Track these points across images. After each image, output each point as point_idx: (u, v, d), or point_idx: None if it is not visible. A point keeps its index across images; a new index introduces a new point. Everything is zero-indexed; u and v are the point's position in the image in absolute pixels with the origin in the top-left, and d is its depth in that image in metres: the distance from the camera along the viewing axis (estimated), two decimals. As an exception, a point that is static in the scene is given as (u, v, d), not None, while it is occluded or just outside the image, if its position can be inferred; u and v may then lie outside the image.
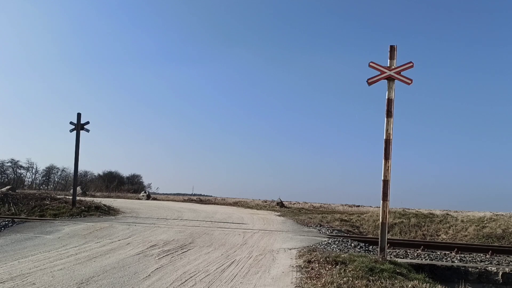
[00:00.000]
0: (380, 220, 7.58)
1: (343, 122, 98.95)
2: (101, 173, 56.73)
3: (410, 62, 7.66)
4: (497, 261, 9.57)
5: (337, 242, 10.08)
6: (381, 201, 7.56)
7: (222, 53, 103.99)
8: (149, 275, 5.85)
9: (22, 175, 57.92)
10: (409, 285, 5.50)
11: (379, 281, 5.56)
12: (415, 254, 10.02)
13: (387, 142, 7.59)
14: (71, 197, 17.30)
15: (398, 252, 10.28)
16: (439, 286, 6.06)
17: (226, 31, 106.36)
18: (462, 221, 18.62)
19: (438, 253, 10.41)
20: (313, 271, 6.27)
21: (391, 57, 7.77)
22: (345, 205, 40.14)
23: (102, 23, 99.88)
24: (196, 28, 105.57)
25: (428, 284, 5.75)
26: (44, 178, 60.90)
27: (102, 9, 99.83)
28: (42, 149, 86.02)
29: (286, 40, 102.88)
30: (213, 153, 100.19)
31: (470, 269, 8.27)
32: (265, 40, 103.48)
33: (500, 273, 8.11)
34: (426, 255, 9.97)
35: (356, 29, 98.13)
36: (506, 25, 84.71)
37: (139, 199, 34.19)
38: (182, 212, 19.13)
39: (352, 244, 10.01)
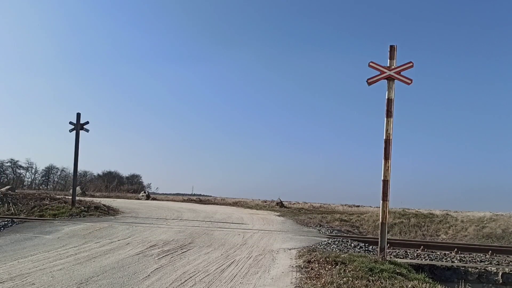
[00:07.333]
0: (380, 220, 7.57)
1: (343, 122, 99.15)
2: (100, 173, 56.94)
3: (410, 62, 7.65)
4: (497, 261, 9.57)
5: (337, 242, 10.07)
6: (381, 201, 7.55)
7: (220, 54, 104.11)
8: (148, 275, 5.84)
9: (22, 175, 58.02)
10: (409, 285, 5.49)
11: (379, 281, 5.55)
12: (415, 254, 10.01)
13: (387, 142, 7.58)
14: (70, 197, 17.29)
15: (398, 252, 10.27)
16: (439, 286, 6.05)
17: (224, 32, 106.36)
18: (462, 221, 18.64)
19: (438, 253, 10.40)
20: (313, 271, 6.26)
21: (391, 57, 7.76)
22: (345, 205, 40.15)
23: (100, 23, 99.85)
24: (194, 29, 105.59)
25: (428, 284, 5.74)
26: (44, 178, 60.94)
27: (100, 8, 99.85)
28: (41, 149, 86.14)
29: (285, 40, 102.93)
30: (213, 154, 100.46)
31: (470, 269, 8.27)
32: (264, 40, 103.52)
33: (500, 273, 8.11)
34: (426, 255, 9.96)
35: (356, 29, 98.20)
36: (506, 25, 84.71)
37: (138, 199, 34.17)
38: (182, 212, 19.11)
39: (352, 244, 10.00)
